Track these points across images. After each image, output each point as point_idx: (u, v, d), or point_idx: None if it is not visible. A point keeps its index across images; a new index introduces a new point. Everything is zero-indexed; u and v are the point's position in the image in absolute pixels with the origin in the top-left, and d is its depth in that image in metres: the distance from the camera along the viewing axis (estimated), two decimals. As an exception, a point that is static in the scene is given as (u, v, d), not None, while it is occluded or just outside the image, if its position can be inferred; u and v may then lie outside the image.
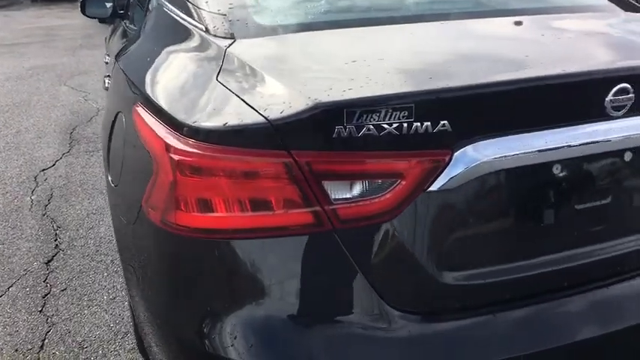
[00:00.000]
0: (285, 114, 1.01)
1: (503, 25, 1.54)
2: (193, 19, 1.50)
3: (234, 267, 1.11)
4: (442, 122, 1.04)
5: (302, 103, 1.00)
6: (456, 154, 1.07)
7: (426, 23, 1.49)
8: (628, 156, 1.21)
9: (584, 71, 1.16)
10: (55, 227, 3.04)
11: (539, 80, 1.11)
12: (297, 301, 1.11)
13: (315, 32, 1.40)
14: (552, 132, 1.13)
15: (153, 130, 1.17)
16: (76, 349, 2.12)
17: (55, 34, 9.70)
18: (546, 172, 1.16)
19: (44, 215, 3.18)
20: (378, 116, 1.00)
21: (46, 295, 2.46)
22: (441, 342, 1.15)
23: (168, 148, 1.09)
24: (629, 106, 1.15)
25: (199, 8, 1.49)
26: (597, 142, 1.16)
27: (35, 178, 3.69)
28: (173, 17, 1.61)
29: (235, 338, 1.10)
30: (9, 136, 4.49)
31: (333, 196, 1.06)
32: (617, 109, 1.14)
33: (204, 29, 1.42)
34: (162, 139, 1.12)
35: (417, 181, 1.07)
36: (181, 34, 1.50)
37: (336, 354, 1.10)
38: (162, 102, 1.21)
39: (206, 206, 1.07)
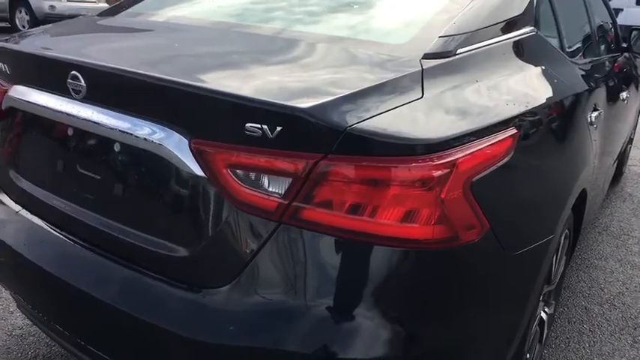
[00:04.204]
0: None
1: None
2: None
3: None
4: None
5: None
6: (9, 90, 1.50)
7: None
8: (117, 146, 1.28)
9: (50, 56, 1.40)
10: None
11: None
12: None
13: None
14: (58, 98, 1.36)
15: None
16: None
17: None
18: (60, 127, 1.41)
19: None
20: None
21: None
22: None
23: None
24: (84, 92, 1.29)
25: None
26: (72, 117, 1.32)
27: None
28: None
29: None
30: None
31: None
32: (75, 92, 1.30)
33: None
34: None
35: None
36: None
37: None
38: None
39: None
